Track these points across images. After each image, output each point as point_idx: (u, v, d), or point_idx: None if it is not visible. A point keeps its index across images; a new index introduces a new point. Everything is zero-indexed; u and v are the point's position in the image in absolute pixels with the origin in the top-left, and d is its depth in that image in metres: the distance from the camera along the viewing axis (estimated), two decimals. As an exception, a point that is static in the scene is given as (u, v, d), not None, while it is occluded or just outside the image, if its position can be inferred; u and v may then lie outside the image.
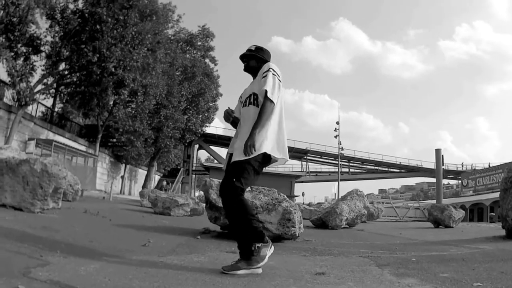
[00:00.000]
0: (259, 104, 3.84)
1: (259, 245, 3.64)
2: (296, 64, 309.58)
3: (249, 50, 4.07)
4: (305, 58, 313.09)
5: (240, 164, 3.70)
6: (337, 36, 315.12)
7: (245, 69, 4.11)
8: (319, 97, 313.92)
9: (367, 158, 70.21)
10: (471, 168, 72.69)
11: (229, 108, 4.11)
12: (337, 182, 49.97)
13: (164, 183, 43.71)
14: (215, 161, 64.87)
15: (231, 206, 3.66)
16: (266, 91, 3.73)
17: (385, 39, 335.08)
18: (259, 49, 4.07)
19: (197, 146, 63.06)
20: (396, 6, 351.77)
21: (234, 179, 3.64)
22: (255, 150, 3.64)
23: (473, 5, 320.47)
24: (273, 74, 3.84)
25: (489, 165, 69.56)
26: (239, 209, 3.62)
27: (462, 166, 76.13)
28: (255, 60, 4.04)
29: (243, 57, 4.10)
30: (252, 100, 3.88)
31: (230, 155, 3.92)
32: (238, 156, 3.71)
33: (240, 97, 4.22)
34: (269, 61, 4.06)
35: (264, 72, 3.85)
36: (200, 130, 45.35)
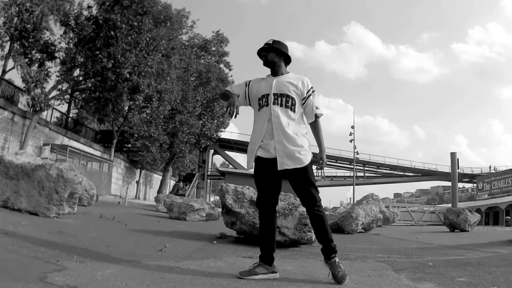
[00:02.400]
0: (296, 109, 3.91)
1: None
2: (310, 69, 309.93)
3: (267, 44, 4.06)
4: (319, 63, 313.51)
5: (309, 169, 3.84)
6: (350, 40, 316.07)
7: (265, 64, 4.08)
8: (333, 101, 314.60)
9: (382, 162, 69.84)
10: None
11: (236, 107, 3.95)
12: (352, 187, 49.85)
13: (181, 184, 43.89)
14: (230, 166, 64.82)
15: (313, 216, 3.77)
16: (320, 114, 4.00)
17: (398, 42, 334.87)
18: (276, 42, 4.06)
19: (212, 151, 63.17)
20: (408, 9, 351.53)
21: (315, 188, 3.79)
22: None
23: (485, 7, 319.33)
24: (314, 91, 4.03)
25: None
26: (322, 219, 3.75)
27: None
28: (274, 53, 4.02)
29: (261, 51, 4.08)
30: (290, 104, 3.88)
31: (259, 157, 3.88)
32: (301, 162, 3.81)
33: (248, 84, 4.14)
34: (287, 53, 4.08)
35: (309, 90, 3.98)
36: (215, 135, 45.28)
